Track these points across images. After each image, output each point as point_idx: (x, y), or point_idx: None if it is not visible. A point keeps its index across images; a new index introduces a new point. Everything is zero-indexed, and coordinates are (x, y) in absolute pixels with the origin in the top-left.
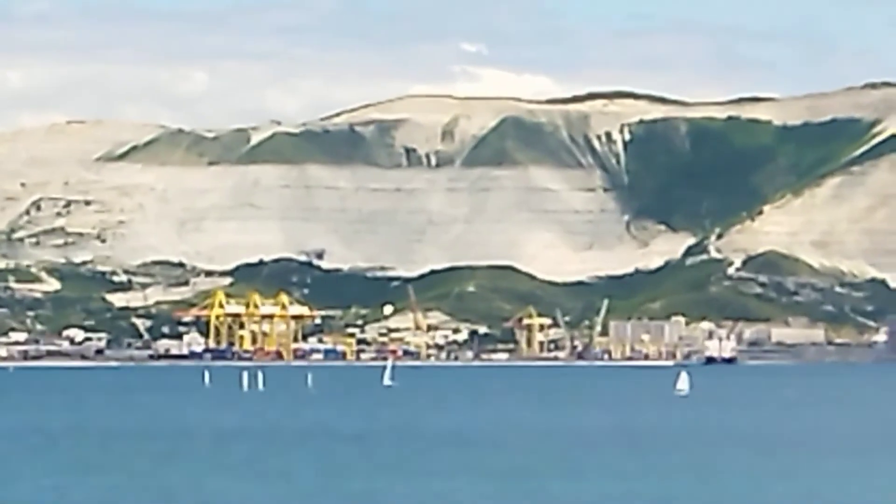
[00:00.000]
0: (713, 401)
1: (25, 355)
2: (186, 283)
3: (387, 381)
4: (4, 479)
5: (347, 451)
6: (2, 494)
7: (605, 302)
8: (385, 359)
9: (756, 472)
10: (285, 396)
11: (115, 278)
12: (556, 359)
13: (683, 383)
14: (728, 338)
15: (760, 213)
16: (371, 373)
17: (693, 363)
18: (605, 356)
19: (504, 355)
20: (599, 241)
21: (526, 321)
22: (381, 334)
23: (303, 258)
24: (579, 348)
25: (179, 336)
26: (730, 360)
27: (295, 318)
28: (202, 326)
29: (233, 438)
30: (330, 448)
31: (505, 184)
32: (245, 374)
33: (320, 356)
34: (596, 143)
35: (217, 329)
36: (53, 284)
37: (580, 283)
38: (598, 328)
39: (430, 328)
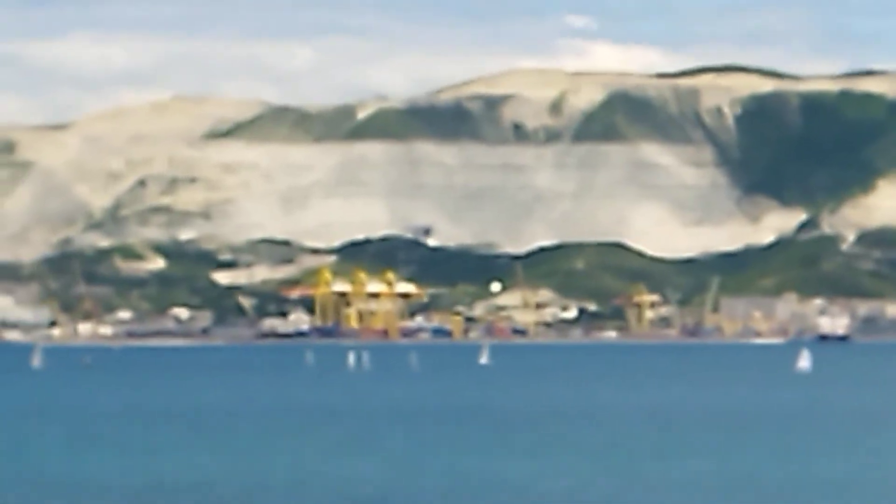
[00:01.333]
0: (838, 378)
1: (131, 334)
2: (292, 261)
3: (483, 360)
4: (103, 458)
5: (428, 429)
6: (98, 474)
7: (716, 279)
8: (492, 336)
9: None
10: (386, 376)
11: (221, 256)
12: (666, 336)
13: (805, 361)
14: (841, 315)
15: (874, 187)
16: (477, 352)
17: (806, 340)
18: (717, 334)
19: (613, 333)
20: (710, 217)
21: (635, 298)
22: (489, 312)
23: (409, 235)
24: (690, 326)
25: (285, 314)
26: (843, 338)
27: (402, 295)
28: (308, 304)
29: (330, 417)
30: (408, 427)
31: (614, 159)
32: (351, 354)
33: (427, 335)
34: (706, 118)
35: (323, 307)
36: (158, 263)
37: (690, 259)
38: (710, 305)
39: (538, 306)
